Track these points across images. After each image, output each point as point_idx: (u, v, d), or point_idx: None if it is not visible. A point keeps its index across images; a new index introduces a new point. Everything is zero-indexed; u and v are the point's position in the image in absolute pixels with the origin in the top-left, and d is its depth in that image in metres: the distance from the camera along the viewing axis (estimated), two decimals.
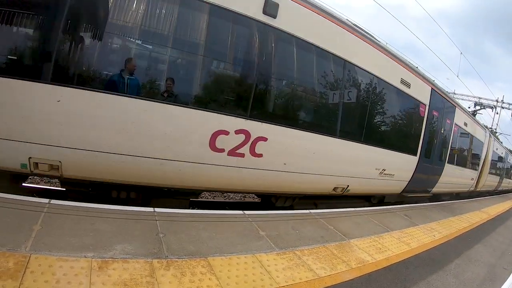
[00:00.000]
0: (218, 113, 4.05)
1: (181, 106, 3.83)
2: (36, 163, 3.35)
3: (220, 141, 4.09)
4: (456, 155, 10.59)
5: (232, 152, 4.25)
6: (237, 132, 4.19)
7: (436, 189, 9.68)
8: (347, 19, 5.52)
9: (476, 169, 13.12)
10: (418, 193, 8.83)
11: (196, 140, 4.00)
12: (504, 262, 5.21)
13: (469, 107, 18.44)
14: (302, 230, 4.12)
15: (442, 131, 8.98)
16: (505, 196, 19.32)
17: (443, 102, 8.77)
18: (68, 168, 3.51)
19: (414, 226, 5.84)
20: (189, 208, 4.99)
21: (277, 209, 5.38)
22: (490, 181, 15.79)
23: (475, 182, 13.46)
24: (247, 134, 4.28)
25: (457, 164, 10.68)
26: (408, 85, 6.84)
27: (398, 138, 7.23)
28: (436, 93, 8.25)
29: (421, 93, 7.48)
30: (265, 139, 4.45)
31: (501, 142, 20.98)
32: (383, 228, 5.17)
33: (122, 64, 3.57)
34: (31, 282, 2.01)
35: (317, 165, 5.35)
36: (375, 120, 6.49)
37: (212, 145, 4.06)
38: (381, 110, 6.61)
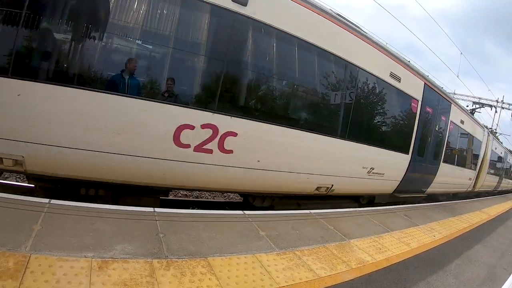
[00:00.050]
0: (182, 107, 3.87)
1: (140, 99, 3.64)
2: (1, 158, 3.31)
3: (185, 136, 3.88)
4: (452, 154, 10.33)
5: (199, 148, 4.02)
6: (204, 126, 3.97)
7: (431, 189, 9.39)
8: (330, 9, 5.31)
9: (474, 169, 12.82)
10: (412, 193, 8.51)
11: (159, 135, 3.81)
12: (504, 262, 5.21)
13: (467, 106, 18.23)
14: (302, 230, 4.12)
15: (436, 129, 8.66)
16: (505, 196, 19.28)
17: (437, 98, 8.43)
18: (31, 163, 3.42)
19: (414, 226, 5.83)
20: (189, 208, 4.95)
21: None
22: (489, 181, 15.59)
23: (473, 182, 13.22)
24: (214, 128, 4.05)
25: (453, 164, 10.40)
26: (398, 79, 6.54)
27: (388, 135, 6.90)
28: (430, 88, 7.90)
29: (413, 88, 7.17)
30: (234, 134, 4.21)
31: (501, 143, 20.92)
32: (383, 228, 5.16)
33: (71, 58, 3.46)
34: (31, 282, 2.01)
35: (295, 163, 5.07)
36: (360, 116, 6.07)
37: (177, 141, 3.85)
38: (367, 105, 6.26)
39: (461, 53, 16.71)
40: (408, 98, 7.08)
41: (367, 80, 5.96)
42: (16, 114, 3.19)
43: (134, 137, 3.69)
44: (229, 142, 4.20)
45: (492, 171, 15.99)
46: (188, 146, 3.95)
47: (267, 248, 3.35)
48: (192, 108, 3.95)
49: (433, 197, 10.68)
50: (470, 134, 11.51)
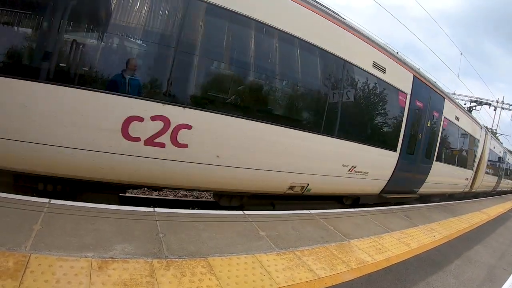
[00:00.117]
0: (129, 97, 3.57)
1: (84, 89, 3.38)
2: None
3: (134, 129, 3.60)
4: (446, 152, 9.81)
5: (150, 142, 3.73)
6: (154, 118, 3.67)
7: (424, 189, 8.88)
8: None
9: (471, 169, 12.26)
10: (402, 194, 8.02)
11: (106, 127, 3.53)
12: (504, 263, 5.21)
13: (465, 104, 17.76)
14: (302, 230, 4.12)
15: (428, 125, 8.07)
16: (505, 197, 19.25)
17: (429, 92, 7.87)
18: None
19: (414, 227, 5.83)
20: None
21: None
22: (487, 181, 15.16)
23: (470, 182, 12.72)
24: (166, 121, 3.74)
25: (448, 162, 9.89)
26: (382, 70, 6.08)
27: (371, 131, 6.38)
28: (420, 81, 7.35)
29: (401, 80, 6.68)
30: (189, 127, 3.88)
31: (501, 143, 20.87)
32: (383, 229, 5.16)
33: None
34: (31, 281, 2.01)
35: (260, 158, 4.65)
36: (337, 109, 5.55)
37: (125, 133, 3.58)
38: (345, 97, 5.64)
39: (461, 53, 16.74)
40: (395, 90, 6.60)
41: (344, 69, 5.48)
42: None
43: (78, 129, 3.44)
44: (183, 136, 3.87)
45: (490, 171, 15.66)
46: (138, 139, 3.66)
47: (267, 248, 3.35)
48: (140, 99, 3.63)
49: (427, 198, 10.29)
50: (467, 132, 11.02)
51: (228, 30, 4.28)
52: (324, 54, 5.12)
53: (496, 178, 17.29)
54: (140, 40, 3.87)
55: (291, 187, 5.27)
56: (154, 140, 3.74)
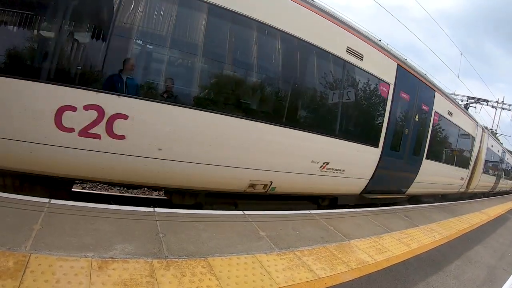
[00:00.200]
0: (60, 85, 3.31)
1: (8, 77, 3.15)
2: None
3: (68, 119, 3.35)
4: (438, 149, 9.20)
5: (84, 133, 3.47)
6: (87, 107, 3.41)
7: (413, 189, 8.24)
8: None
9: (466, 168, 11.64)
10: (387, 194, 7.36)
11: (39, 117, 3.31)
12: (504, 263, 5.21)
13: (461, 101, 16.90)
14: (302, 230, 4.12)
15: (416, 119, 7.42)
16: (505, 197, 19.24)
17: (416, 84, 7.20)
18: None
19: (415, 227, 5.83)
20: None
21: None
22: (484, 181, 14.59)
23: (466, 182, 12.14)
24: (99, 110, 3.47)
25: (440, 161, 9.27)
26: (359, 56, 5.54)
27: (345, 124, 5.77)
28: (405, 71, 6.67)
29: (381, 69, 6.09)
30: (125, 117, 3.59)
31: (501, 143, 20.81)
32: (383, 229, 5.16)
33: None
34: (31, 281, 2.01)
35: (211, 152, 4.23)
36: (303, 99, 5.06)
37: (58, 123, 3.35)
38: (311, 86, 5.13)
39: (462, 53, 16.73)
40: (374, 80, 6.00)
41: (310, 53, 4.97)
42: None
43: (14, 120, 3.26)
44: (119, 126, 3.58)
45: (488, 171, 15.18)
46: (72, 130, 3.42)
47: (267, 249, 3.35)
48: (72, 87, 3.37)
49: (418, 199, 9.90)
50: (461, 128, 10.39)
51: (166, 12, 3.88)
52: (285, 36, 4.62)
53: (494, 178, 16.88)
54: (77, 31, 3.51)
55: (252, 185, 4.83)
56: (89, 131, 3.49)
